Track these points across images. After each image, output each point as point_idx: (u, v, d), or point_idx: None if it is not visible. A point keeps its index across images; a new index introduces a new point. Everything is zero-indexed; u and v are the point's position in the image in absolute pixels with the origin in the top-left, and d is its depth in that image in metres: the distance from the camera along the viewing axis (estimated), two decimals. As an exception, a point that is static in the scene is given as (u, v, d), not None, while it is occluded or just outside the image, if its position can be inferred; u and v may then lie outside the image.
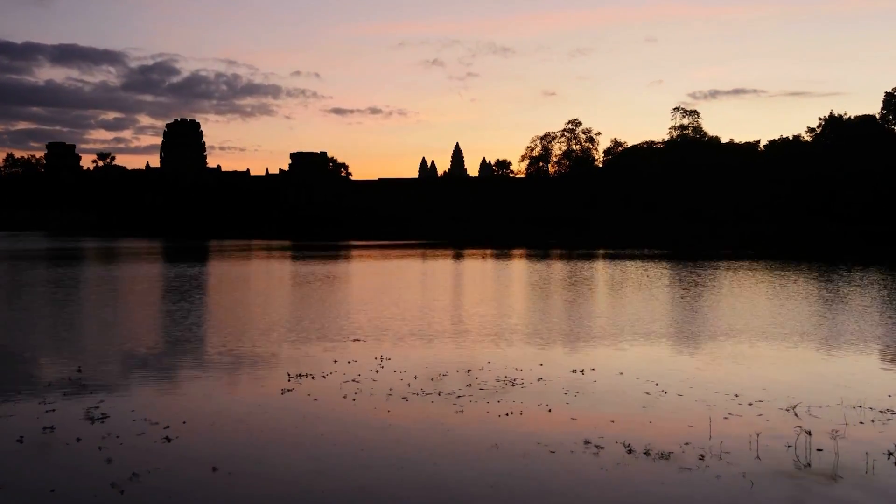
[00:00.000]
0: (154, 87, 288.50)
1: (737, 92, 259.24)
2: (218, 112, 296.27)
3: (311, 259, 51.06)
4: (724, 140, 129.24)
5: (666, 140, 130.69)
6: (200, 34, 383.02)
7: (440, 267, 47.58)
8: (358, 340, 18.71)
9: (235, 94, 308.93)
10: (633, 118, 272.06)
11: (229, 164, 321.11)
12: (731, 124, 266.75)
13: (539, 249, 69.92)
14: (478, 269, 45.19)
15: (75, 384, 13.73)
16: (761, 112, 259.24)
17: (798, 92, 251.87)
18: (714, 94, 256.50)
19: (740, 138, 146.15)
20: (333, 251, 62.53)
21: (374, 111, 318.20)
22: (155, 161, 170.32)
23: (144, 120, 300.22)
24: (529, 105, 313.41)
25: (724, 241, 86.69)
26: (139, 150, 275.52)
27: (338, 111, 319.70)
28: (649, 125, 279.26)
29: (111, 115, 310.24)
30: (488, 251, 66.78)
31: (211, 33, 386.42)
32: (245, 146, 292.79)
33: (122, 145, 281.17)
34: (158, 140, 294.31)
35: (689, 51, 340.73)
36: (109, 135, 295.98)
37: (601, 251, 66.77)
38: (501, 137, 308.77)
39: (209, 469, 9.18)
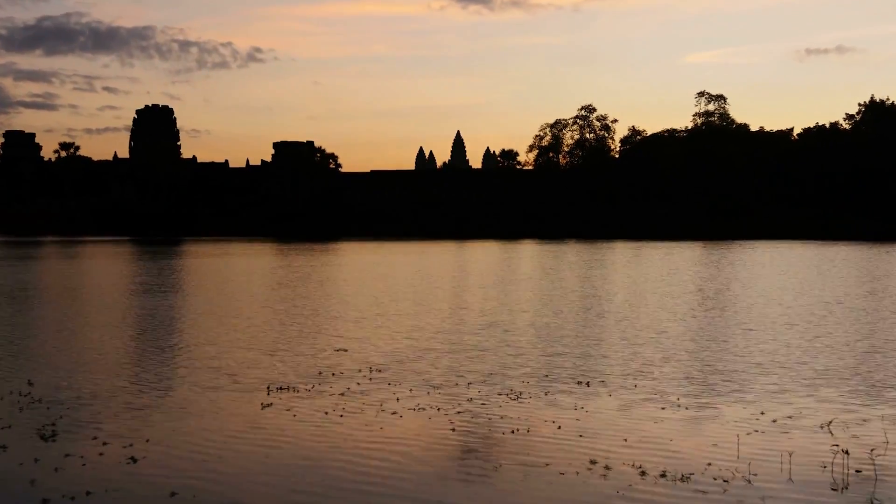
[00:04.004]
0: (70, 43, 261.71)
1: (839, 50, 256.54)
2: (166, 82, 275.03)
3: (295, 258, 51.10)
4: (753, 128, 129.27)
5: (689, 128, 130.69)
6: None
7: (436, 268, 47.54)
8: (345, 350, 18.65)
9: (181, 55, 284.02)
10: (656, 102, 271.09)
11: (202, 150, 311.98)
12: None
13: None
14: (476, 270, 45.15)
15: (28, 398, 13.67)
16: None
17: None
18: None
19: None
20: (320, 251, 62.55)
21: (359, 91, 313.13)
22: (123, 150, 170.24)
23: (70, 96, 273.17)
24: (539, 87, 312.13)
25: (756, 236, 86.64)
26: (75, 133, 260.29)
27: (317, 84, 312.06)
28: (671, 111, 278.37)
29: (26, 89, 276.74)
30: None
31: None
32: (210, 129, 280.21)
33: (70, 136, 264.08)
34: (97, 122, 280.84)
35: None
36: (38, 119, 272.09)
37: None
38: (507, 125, 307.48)
39: (167, 494, 9.11)
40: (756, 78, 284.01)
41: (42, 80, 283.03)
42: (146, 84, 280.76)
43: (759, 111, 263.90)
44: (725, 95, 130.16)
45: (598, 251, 59.62)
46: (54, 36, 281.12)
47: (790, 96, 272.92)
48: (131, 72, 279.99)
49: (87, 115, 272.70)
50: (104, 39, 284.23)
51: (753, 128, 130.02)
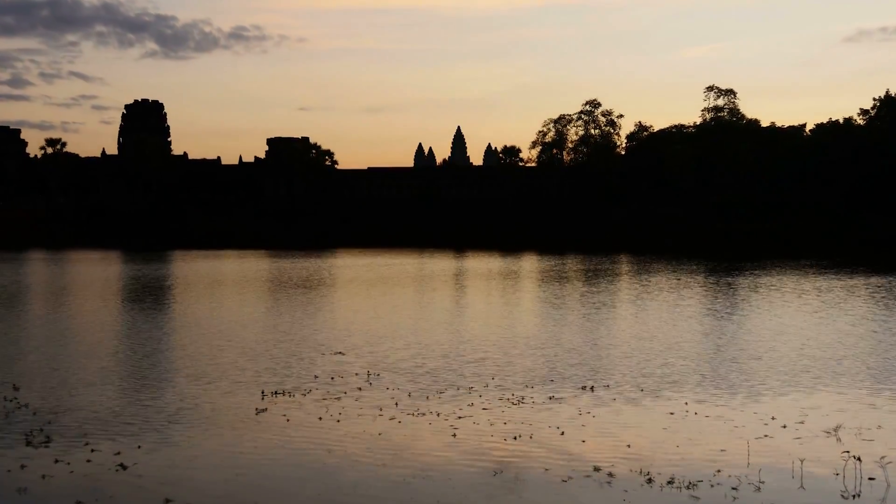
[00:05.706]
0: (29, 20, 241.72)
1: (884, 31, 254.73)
2: (144, 68, 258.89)
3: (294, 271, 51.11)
4: (764, 123, 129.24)
5: (697, 123, 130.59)
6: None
7: (435, 271, 47.56)
8: (342, 354, 18.68)
9: (156, 34, 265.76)
10: (661, 96, 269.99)
11: (189, 142, 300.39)
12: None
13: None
14: (478, 274, 45.18)
15: (15, 403, 13.71)
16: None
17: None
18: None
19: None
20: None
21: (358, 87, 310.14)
22: (106, 144, 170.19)
23: (38, 83, 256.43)
24: (542, 81, 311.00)
25: (765, 239, 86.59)
26: (48, 124, 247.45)
27: (309, 73, 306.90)
28: (678, 106, 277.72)
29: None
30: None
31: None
32: (195, 120, 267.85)
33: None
34: (74, 115, 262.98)
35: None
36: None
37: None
38: (509, 120, 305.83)
39: (159, 502, 9.16)
40: (765, 71, 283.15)
41: (4, 67, 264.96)
42: (120, 69, 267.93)
43: (771, 106, 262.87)
44: (735, 90, 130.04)
45: (602, 264, 59.62)
46: (10, 11, 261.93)
47: (800, 91, 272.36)
48: (104, 52, 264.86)
49: (60, 104, 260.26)
50: (67, 15, 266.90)
51: (764, 123, 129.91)
